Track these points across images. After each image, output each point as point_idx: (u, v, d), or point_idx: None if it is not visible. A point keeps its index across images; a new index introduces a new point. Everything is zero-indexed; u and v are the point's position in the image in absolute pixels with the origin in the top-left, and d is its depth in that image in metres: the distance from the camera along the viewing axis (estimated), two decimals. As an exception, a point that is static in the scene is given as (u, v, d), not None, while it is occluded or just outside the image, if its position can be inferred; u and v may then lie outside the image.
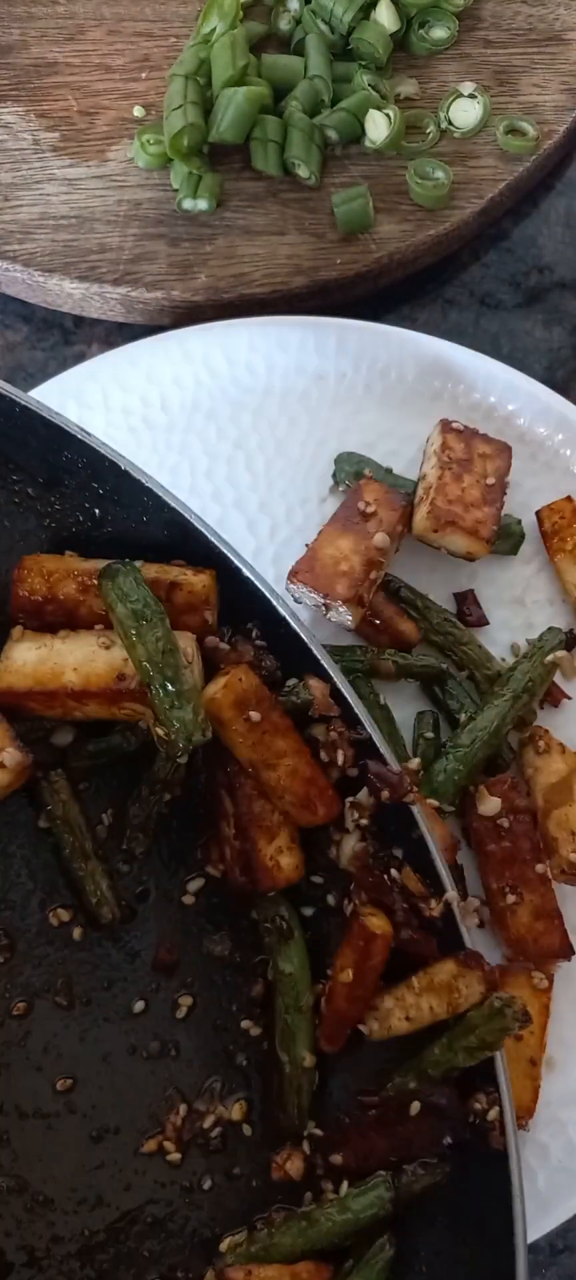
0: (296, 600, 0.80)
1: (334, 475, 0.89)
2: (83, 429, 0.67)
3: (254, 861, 0.65)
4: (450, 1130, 0.62)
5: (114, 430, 0.90)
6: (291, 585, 0.79)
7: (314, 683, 0.66)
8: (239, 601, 0.68)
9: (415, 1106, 0.62)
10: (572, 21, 1.13)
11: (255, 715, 0.63)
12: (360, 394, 0.92)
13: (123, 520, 0.69)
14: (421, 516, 0.82)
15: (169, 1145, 0.66)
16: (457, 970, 0.62)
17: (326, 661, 0.66)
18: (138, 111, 1.07)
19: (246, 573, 0.67)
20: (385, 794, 0.64)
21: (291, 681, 0.67)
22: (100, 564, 0.66)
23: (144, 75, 1.10)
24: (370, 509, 0.80)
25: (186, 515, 0.67)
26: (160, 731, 0.61)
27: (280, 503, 0.89)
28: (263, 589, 0.67)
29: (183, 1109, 0.67)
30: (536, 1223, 0.70)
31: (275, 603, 0.66)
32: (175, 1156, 0.66)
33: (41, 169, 1.03)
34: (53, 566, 0.67)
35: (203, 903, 0.70)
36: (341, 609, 0.77)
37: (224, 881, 0.69)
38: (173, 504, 0.67)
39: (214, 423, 0.91)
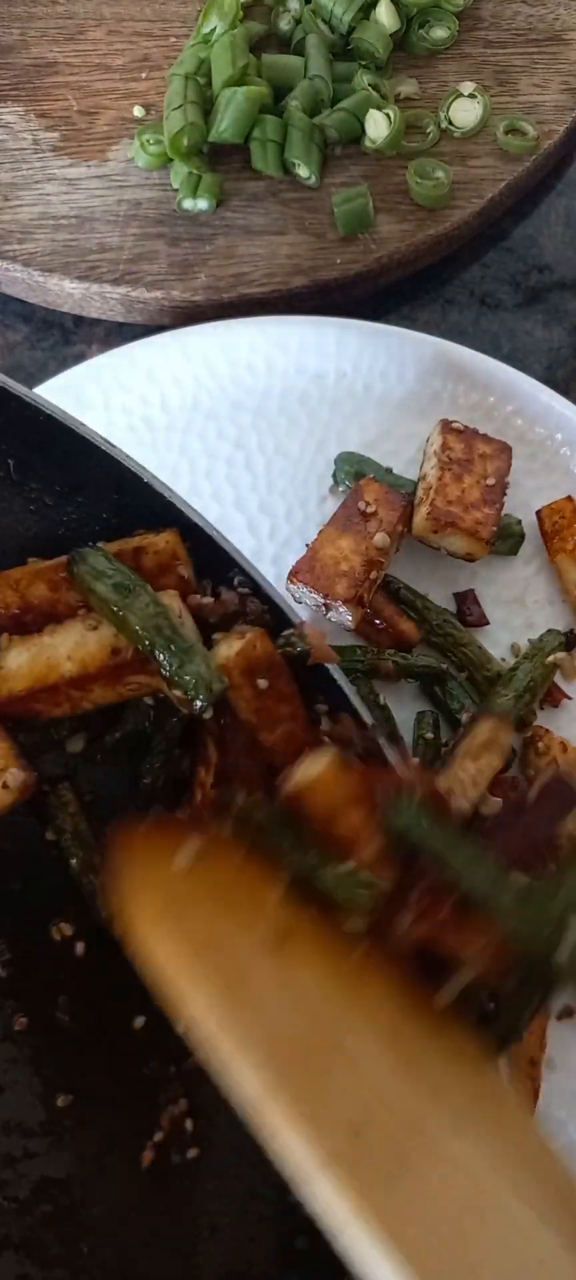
0: (297, 600, 0.80)
1: (334, 475, 0.89)
2: (107, 440, 0.66)
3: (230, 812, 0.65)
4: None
5: (114, 430, 0.90)
6: (291, 585, 0.79)
7: (311, 630, 0.65)
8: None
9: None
10: (572, 21, 1.13)
11: (263, 683, 0.62)
12: (360, 394, 0.92)
13: (138, 531, 0.68)
14: (421, 517, 0.82)
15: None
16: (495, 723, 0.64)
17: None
18: (138, 111, 1.07)
19: (265, 587, 0.67)
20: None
21: (287, 631, 0.66)
22: (62, 559, 0.66)
23: (144, 75, 1.10)
24: (370, 509, 0.80)
25: (206, 529, 0.67)
26: (177, 694, 0.61)
27: (280, 503, 0.89)
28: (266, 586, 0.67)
29: (183, 1103, 0.66)
30: (536, 1223, 0.70)
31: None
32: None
33: (41, 169, 1.04)
34: (19, 575, 0.67)
35: None
36: (341, 609, 0.77)
37: None
38: (193, 517, 0.67)
39: (214, 423, 0.91)
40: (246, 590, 0.67)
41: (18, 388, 0.66)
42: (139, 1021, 0.68)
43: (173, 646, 0.60)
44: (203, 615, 0.66)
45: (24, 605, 0.66)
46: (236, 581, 0.67)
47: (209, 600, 0.66)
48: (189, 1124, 0.66)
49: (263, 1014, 0.48)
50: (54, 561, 0.66)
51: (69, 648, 0.63)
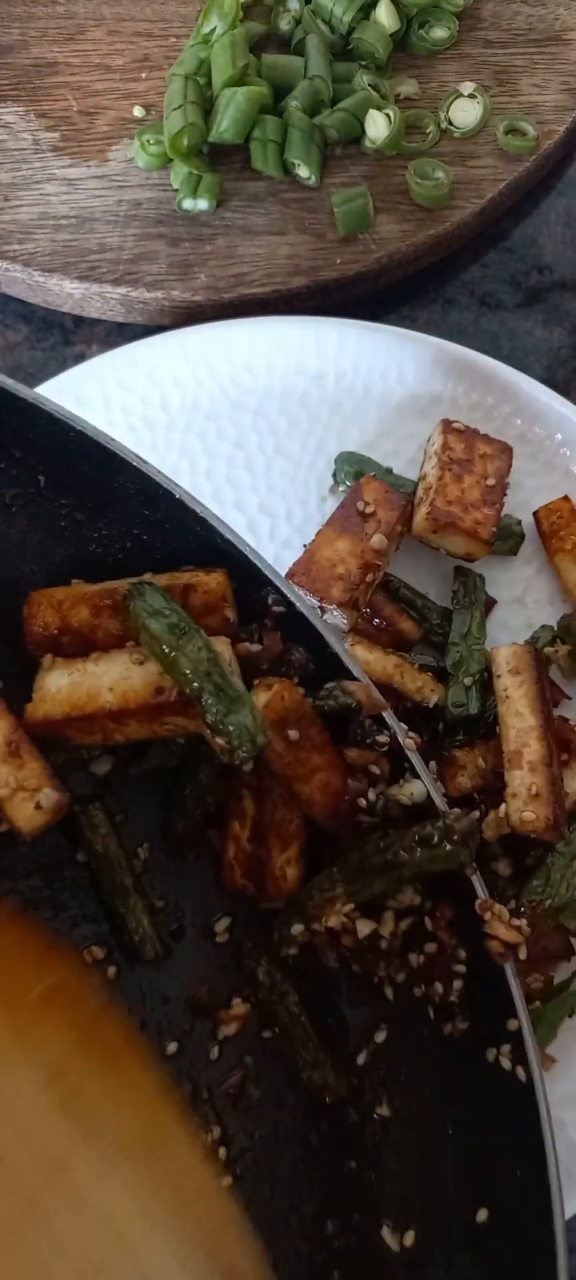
0: (296, 600, 0.80)
1: (334, 475, 0.89)
2: (138, 456, 0.66)
3: (265, 869, 0.65)
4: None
5: (114, 430, 0.89)
6: (289, 586, 0.79)
7: (354, 686, 0.65)
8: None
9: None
10: (572, 21, 1.13)
11: (294, 734, 0.62)
12: (360, 394, 0.92)
13: (170, 547, 0.68)
14: (421, 517, 0.82)
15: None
16: None
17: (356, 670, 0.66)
18: (138, 111, 1.07)
19: (299, 607, 0.66)
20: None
21: (329, 685, 0.65)
22: (109, 586, 0.65)
23: (144, 75, 1.10)
24: (368, 509, 0.80)
25: (240, 547, 0.66)
26: (220, 741, 0.59)
27: (280, 503, 0.89)
28: (319, 629, 0.67)
29: (216, 1130, 0.64)
30: (536, 1223, 0.70)
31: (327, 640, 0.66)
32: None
33: (41, 169, 1.04)
34: (62, 595, 0.66)
35: (236, 938, 0.69)
36: (336, 612, 0.77)
37: (251, 909, 0.68)
38: (227, 534, 0.66)
39: (214, 423, 0.91)
40: (281, 609, 0.66)
41: (47, 403, 0.65)
42: (171, 1047, 0.66)
43: (221, 694, 0.59)
44: (251, 662, 0.65)
45: (63, 626, 0.65)
46: (271, 600, 0.66)
47: (257, 648, 0.66)
48: (222, 1151, 0.64)
49: None
50: (99, 587, 0.65)
51: (112, 679, 0.63)
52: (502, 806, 0.70)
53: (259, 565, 0.67)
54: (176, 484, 0.66)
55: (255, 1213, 0.63)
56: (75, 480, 0.68)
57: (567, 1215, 0.70)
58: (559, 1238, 0.57)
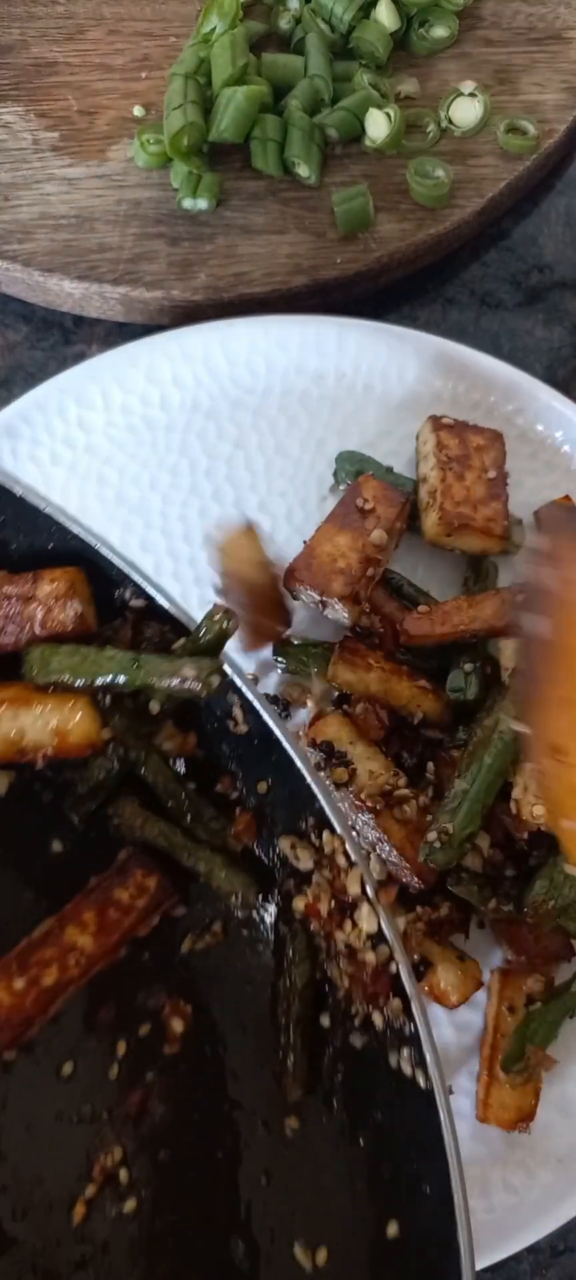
0: (295, 597, 0.80)
1: (334, 474, 0.88)
2: None
3: None
4: None
5: (114, 430, 0.90)
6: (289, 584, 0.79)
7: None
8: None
9: None
10: (573, 20, 1.13)
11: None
12: (360, 394, 0.92)
13: (27, 551, 0.64)
14: (432, 523, 0.82)
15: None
16: None
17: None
18: (138, 111, 1.07)
19: (160, 599, 0.64)
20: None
21: (180, 642, 0.63)
22: None
23: (144, 75, 1.10)
24: (368, 506, 0.80)
25: (92, 543, 0.63)
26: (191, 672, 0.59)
27: (280, 502, 0.89)
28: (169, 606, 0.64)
29: (117, 1151, 0.60)
30: (537, 1223, 0.70)
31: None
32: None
33: (41, 169, 1.03)
34: None
35: (134, 955, 0.64)
36: (338, 606, 0.77)
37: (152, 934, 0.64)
38: (77, 531, 0.63)
39: (214, 422, 0.91)
40: (140, 604, 0.64)
41: None
42: (67, 1068, 0.62)
43: (161, 664, 0.60)
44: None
45: None
46: (129, 594, 0.64)
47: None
48: (123, 1174, 0.60)
49: None
50: None
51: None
52: (512, 804, 0.70)
53: (114, 560, 0.63)
54: (19, 481, 0.63)
55: (163, 1242, 0.59)
56: None
57: (568, 1216, 0.71)
58: (463, 1249, 0.54)
